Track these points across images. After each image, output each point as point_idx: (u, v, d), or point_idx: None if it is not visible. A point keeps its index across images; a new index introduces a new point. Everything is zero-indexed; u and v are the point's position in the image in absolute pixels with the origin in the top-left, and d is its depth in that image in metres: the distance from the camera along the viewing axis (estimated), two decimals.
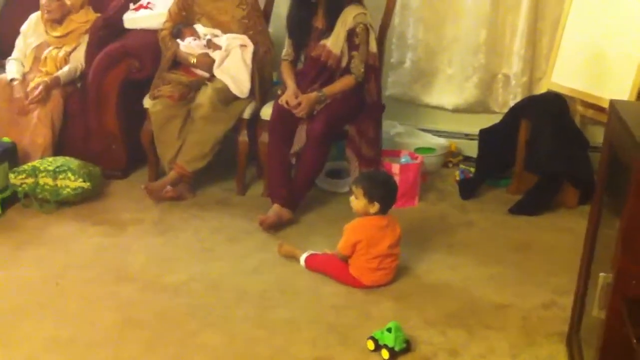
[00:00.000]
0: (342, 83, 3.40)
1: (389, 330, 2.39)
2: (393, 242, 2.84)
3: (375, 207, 2.82)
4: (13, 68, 3.73)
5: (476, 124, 3.92)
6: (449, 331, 2.54)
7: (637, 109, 2.02)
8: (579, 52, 3.65)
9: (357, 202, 2.85)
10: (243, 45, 3.58)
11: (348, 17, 3.34)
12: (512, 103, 3.93)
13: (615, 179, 2.02)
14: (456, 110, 4.15)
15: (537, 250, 3.18)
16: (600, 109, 3.51)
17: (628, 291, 1.80)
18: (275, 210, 3.28)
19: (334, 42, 3.36)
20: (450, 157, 4.11)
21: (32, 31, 3.80)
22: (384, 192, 2.85)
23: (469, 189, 3.70)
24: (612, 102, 2.12)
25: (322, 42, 3.39)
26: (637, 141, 1.74)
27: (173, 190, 3.48)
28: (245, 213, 3.43)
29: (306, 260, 2.95)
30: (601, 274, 1.90)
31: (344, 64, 3.39)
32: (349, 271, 2.84)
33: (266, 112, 3.51)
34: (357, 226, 2.84)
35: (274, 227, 3.24)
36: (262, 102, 3.60)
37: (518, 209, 3.52)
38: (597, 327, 1.94)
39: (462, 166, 3.99)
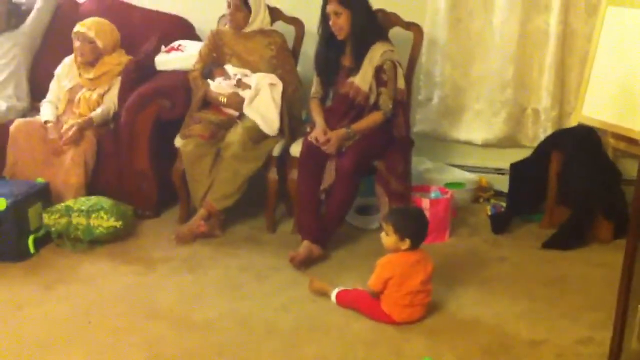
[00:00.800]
0: (371, 119, 3.41)
1: None
2: (425, 278, 2.81)
3: (406, 243, 2.79)
4: (47, 110, 3.82)
5: (506, 159, 3.89)
6: None
7: None
8: (609, 85, 3.63)
9: (388, 238, 2.83)
10: (272, 84, 3.62)
11: (375, 54, 3.36)
12: (542, 137, 3.89)
13: None
14: (486, 145, 4.13)
15: (571, 286, 3.12)
16: (633, 141, 3.46)
17: None
18: (305, 246, 3.27)
19: (362, 79, 3.38)
20: (481, 192, 4.08)
21: (65, 74, 3.89)
22: (414, 228, 2.83)
23: (501, 223, 3.66)
24: None
25: (350, 79, 3.42)
26: None
27: (205, 225, 3.50)
28: (275, 250, 3.42)
29: (337, 296, 2.92)
30: None
31: (372, 100, 3.40)
32: (381, 307, 2.81)
33: (295, 149, 3.53)
34: (389, 262, 2.81)
35: (305, 264, 3.23)
36: (292, 140, 3.62)
37: (551, 244, 3.47)
38: None
39: (493, 201, 3.95)
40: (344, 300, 2.91)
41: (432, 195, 3.59)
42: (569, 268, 3.28)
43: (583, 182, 3.49)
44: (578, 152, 3.53)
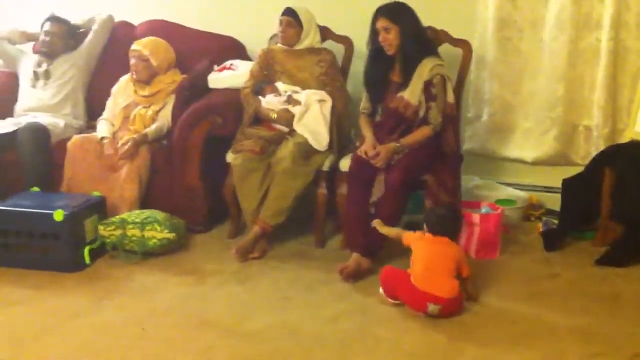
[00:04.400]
0: (420, 133, 3.41)
1: None
2: (452, 262, 2.92)
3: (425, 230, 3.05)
4: (104, 127, 3.93)
5: (558, 177, 3.82)
6: None
7: None
8: None
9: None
10: (322, 101, 3.66)
11: (425, 70, 3.38)
12: (594, 155, 3.84)
13: None
14: (536, 163, 4.10)
15: (626, 302, 3.05)
16: None
17: None
18: (354, 259, 3.27)
19: (411, 94, 3.39)
20: (532, 210, 4.03)
21: (122, 91, 4.02)
22: (435, 219, 3.05)
23: (553, 240, 3.60)
24: None
25: (400, 94, 3.43)
26: None
27: (259, 253, 3.53)
28: (324, 265, 3.44)
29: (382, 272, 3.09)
30: None
31: (421, 114, 3.41)
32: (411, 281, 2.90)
33: (344, 164, 3.55)
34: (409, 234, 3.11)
35: (353, 276, 3.23)
36: (341, 155, 3.64)
37: (605, 261, 3.40)
38: None
39: (545, 218, 3.90)
40: (387, 279, 3.04)
41: (483, 210, 3.56)
42: (624, 285, 3.21)
43: (637, 199, 3.42)
44: (631, 167, 3.47)
